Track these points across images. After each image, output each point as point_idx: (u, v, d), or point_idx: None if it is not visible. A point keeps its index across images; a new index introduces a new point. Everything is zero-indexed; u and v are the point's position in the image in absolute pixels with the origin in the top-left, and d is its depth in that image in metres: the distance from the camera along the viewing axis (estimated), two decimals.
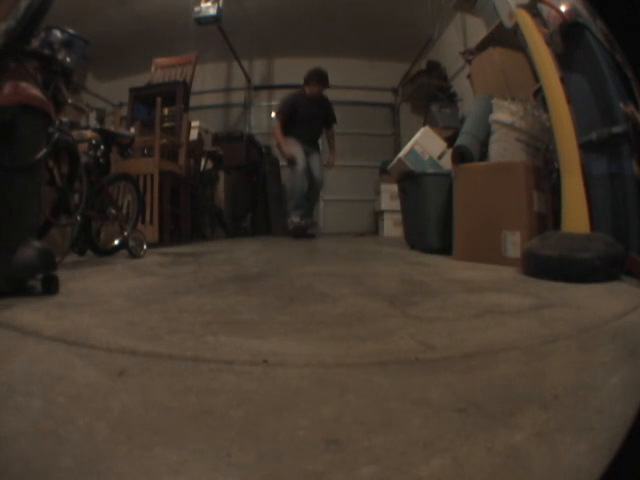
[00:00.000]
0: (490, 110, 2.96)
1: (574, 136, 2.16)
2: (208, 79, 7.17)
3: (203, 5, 5.84)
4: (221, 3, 5.81)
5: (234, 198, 6.59)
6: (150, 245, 3.41)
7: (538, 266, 1.99)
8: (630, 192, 2.13)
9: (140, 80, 5.66)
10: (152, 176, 4.17)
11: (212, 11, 5.83)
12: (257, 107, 8.13)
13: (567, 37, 2.39)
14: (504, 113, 2.82)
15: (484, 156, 3.00)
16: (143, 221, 3.95)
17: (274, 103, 8.08)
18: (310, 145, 5.80)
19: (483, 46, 4.31)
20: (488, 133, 2.95)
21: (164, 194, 4.38)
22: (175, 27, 6.05)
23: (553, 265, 1.91)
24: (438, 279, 2.04)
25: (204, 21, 5.89)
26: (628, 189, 2.14)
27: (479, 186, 2.71)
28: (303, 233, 5.58)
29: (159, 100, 4.52)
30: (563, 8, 2.42)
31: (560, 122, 2.20)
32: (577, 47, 2.36)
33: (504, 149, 2.77)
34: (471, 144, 3.09)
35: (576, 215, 2.07)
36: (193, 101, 5.55)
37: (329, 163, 6.07)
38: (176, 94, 5.03)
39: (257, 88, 8.06)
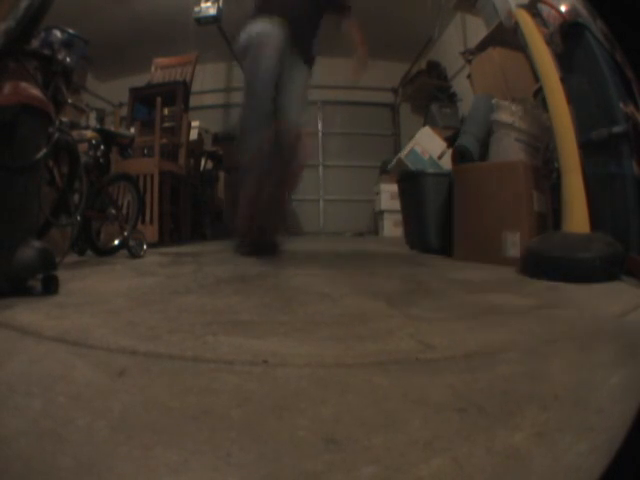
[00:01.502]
0: (490, 110, 2.96)
1: (574, 136, 2.16)
2: (208, 79, 7.16)
3: (203, 5, 5.84)
4: (221, 3, 5.81)
5: (234, 198, 6.58)
6: (150, 245, 3.41)
7: (538, 266, 1.99)
8: (630, 192, 2.13)
9: (140, 80, 5.65)
10: (152, 176, 4.17)
11: (212, 11, 5.82)
12: None
13: (567, 37, 2.39)
14: (504, 113, 2.82)
15: (484, 156, 3.00)
16: (143, 221, 3.95)
17: None
18: (296, 44, 3.21)
19: (483, 46, 4.32)
20: (488, 133, 2.95)
21: (164, 194, 4.38)
22: (175, 27, 6.05)
23: (553, 265, 1.91)
24: (438, 279, 2.05)
25: (204, 21, 5.89)
26: (628, 189, 2.14)
27: (479, 186, 2.71)
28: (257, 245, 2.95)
29: (159, 100, 4.52)
30: (563, 8, 2.42)
31: (560, 122, 2.20)
32: (577, 47, 2.35)
33: (504, 149, 2.77)
34: (471, 144, 3.08)
35: (576, 215, 2.07)
36: (193, 101, 5.54)
37: (358, 64, 3.55)
38: (176, 94, 5.03)
39: None
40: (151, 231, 4.03)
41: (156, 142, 4.30)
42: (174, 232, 4.82)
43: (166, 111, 5.05)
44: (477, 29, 4.90)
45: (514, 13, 2.60)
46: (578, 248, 1.91)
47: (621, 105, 2.14)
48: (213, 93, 7.75)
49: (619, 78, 2.13)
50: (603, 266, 1.85)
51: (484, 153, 3.01)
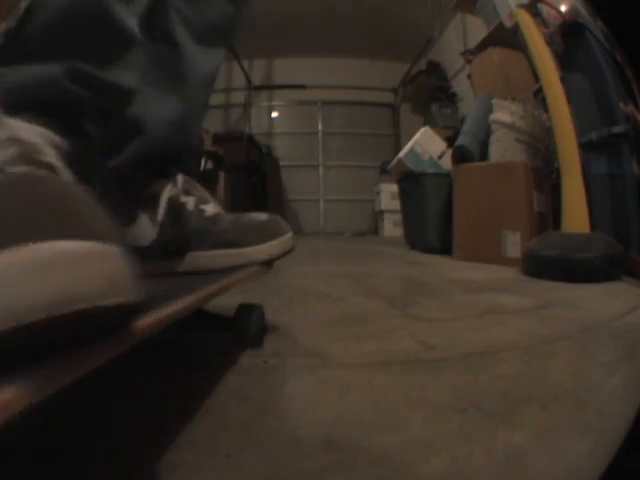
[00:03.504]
0: (490, 110, 2.96)
1: (574, 136, 2.16)
2: None
3: None
4: None
5: (234, 198, 6.58)
6: None
7: (538, 266, 1.99)
8: (630, 192, 2.13)
9: None
10: None
11: None
12: (257, 107, 8.13)
13: (567, 37, 2.39)
14: (504, 113, 2.82)
15: (484, 156, 3.00)
16: None
17: (274, 103, 8.10)
18: None
19: (483, 46, 4.31)
20: (488, 133, 2.95)
21: None
22: None
23: (553, 265, 1.91)
24: (438, 279, 2.05)
25: None
26: (628, 189, 2.14)
27: (479, 186, 2.72)
28: None
29: None
30: (563, 8, 2.42)
31: (560, 122, 2.20)
32: (577, 47, 2.36)
33: (504, 149, 2.78)
34: (471, 144, 3.09)
35: (576, 215, 2.07)
36: None
37: None
38: None
39: (257, 88, 8.06)
40: None
41: None
42: None
43: None
44: (477, 29, 4.90)
45: (514, 13, 2.61)
46: (578, 248, 1.91)
47: (621, 105, 2.14)
48: (214, 93, 7.74)
49: (619, 78, 2.14)
50: (603, 266, 1.86)
51: (484, 153, 3.01)
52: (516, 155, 2.72)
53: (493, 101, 3.00)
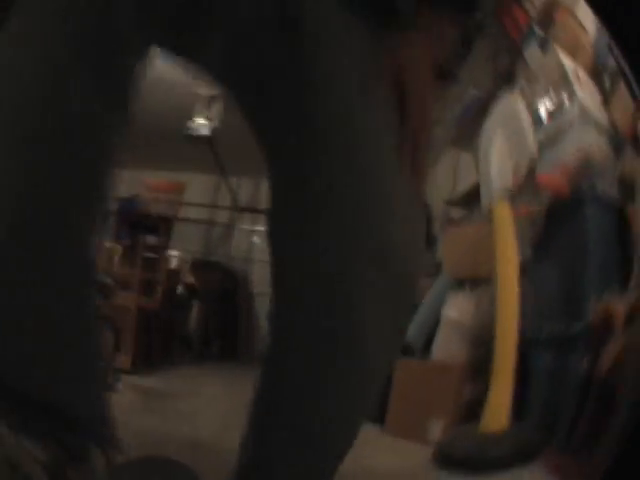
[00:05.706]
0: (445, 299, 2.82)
1: (515, 334, 2.05)
2: (194, 191, 7.25)
3: (196, 121, 5.92)
4: (217, 122, 5.91)
5: (206, 327, 6.53)
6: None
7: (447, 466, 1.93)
8: (570, 388, 2.01)
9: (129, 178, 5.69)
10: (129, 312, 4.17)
11: (204, 131, 5.92)
12: (239, 230, 8.16)
13: (553, 217, 2.20)
14: (454, 309, 2.70)
15: (429, 348, 2.83)
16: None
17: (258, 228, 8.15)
18: None
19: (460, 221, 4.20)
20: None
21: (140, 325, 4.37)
22: (166, 141, 6.16)
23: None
24: None
25: (195, 141, 5.98)
26: (570, 385, 2.02)
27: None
28: None
29: (141, 238, 4.58)
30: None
31: (504, 317, 2.13)
32: (561, 228, 2.11)
33: (446, 349, 2.63)
34: (419, 336, 2.89)
35: (496, 412, 2.00)
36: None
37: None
38: (159, 227, 5.11)
39: (243, 210, 8.13)
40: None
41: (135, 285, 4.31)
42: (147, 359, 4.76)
43: (149, 240, 5.08)
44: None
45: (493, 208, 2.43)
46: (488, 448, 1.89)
47: (593, 299, 1.97)
48: (197, 208, 7.82)
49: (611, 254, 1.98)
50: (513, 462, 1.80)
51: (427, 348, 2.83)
52: (459, 351, 2.59)
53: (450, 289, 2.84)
